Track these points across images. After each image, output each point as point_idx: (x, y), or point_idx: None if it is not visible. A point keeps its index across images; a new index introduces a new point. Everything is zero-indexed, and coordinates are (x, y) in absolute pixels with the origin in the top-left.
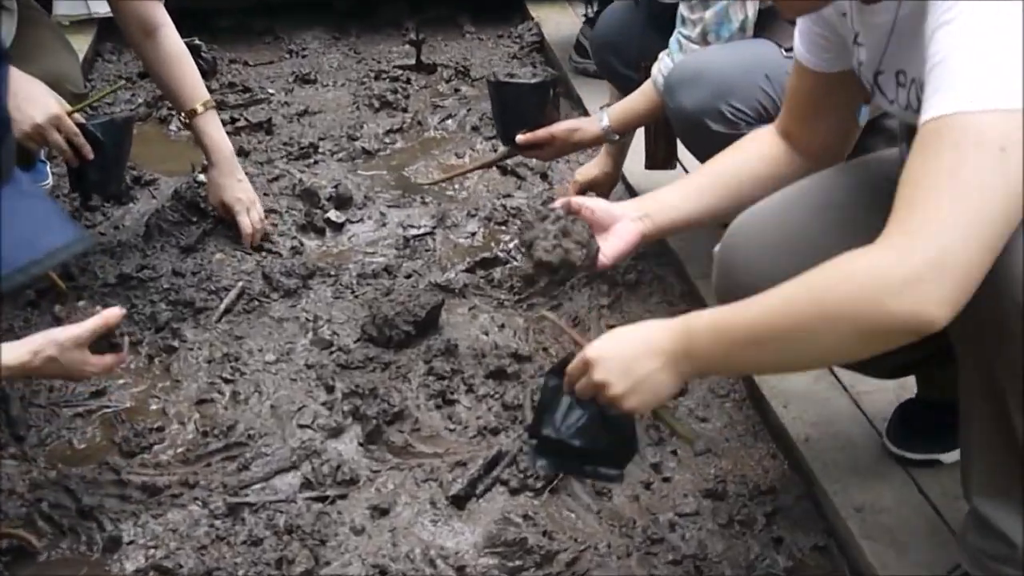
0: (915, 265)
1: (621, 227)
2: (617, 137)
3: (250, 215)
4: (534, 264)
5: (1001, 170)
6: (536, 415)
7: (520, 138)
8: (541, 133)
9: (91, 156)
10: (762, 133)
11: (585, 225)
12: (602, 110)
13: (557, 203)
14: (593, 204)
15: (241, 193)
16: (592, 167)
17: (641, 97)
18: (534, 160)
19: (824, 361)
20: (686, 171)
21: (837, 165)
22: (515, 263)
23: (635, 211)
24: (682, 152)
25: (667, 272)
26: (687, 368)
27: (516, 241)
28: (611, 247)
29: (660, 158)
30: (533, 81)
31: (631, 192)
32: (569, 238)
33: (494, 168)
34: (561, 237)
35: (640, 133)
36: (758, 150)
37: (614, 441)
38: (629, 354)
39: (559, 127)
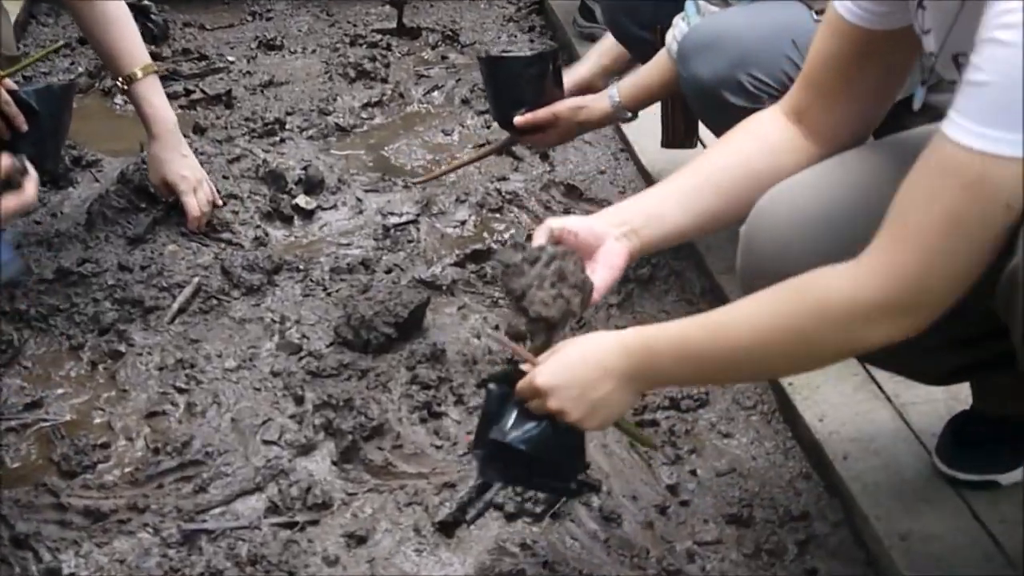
0: (896, 300)
1: (607, 251)
2: (630, 115)
3: (197, 195)
4: (529, 320)
5: (998, 220)
6: (481, 424)
7: (518, 120)
8: (542, 114)
9: (24, 127)
10: (764, 117)
11: (577, 260)
12: (612, 84)
13: (541, 237)
14: (575, 226)
15: (186, 170)
16: (583, 69)
17: (655, 68)
18: None
19: (792, 373)
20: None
21: (885, 140)
22: None
23: (618, 226)
24: (704, 130)
25: (685, 266)
26: (644, 385)
27: (502, 289)
28: (601, 279)
29: (679, 136)
30: (530, 54)
31: (645, 177)
32: (566, 283)
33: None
34: (558, 283)
35: (655, 108)
36: (757, 141)
37: (565, 453)
38: (582, 380)
39: (562, 105)
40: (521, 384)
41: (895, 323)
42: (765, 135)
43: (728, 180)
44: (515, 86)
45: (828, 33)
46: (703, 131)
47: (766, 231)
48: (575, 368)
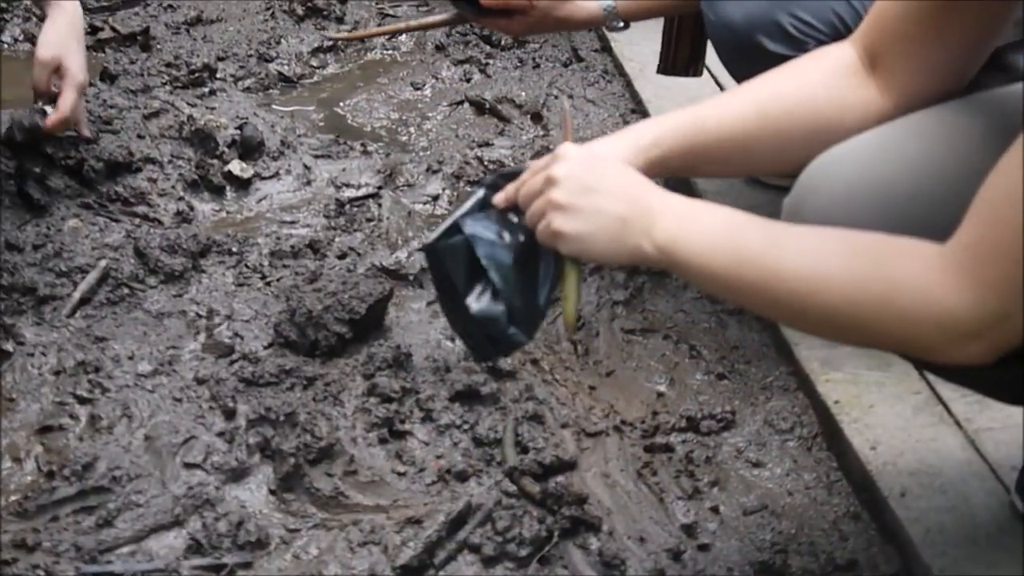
0: (975, 323)
1: None
2: (622, 24)
3: (76, 101)
4: None
5: None
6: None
7: None
8: None
9: None
10: (833, 53)
11: None
12: None
13: None
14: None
15: (79, 66)
16: None
17: None
18: (523, 95)
19: (832, 339)
20: (716, 81)
21: (958, 101)
22: None
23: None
24: (714, 61)
25: None
26: (657, 243)
27: None
28: None
29: (681, 62)
30: None
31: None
32: None
33: (465, 106)
34: None
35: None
36: (824, 79)
37: (529, 290)
38: (604, 186)
39: None
40: (536, 167)
41: (970, 345)
42: (837, 77)
43: (783, 117)
44: None
45: None
46: (711, 60)
47: (813, 208)
48: (606, 165)
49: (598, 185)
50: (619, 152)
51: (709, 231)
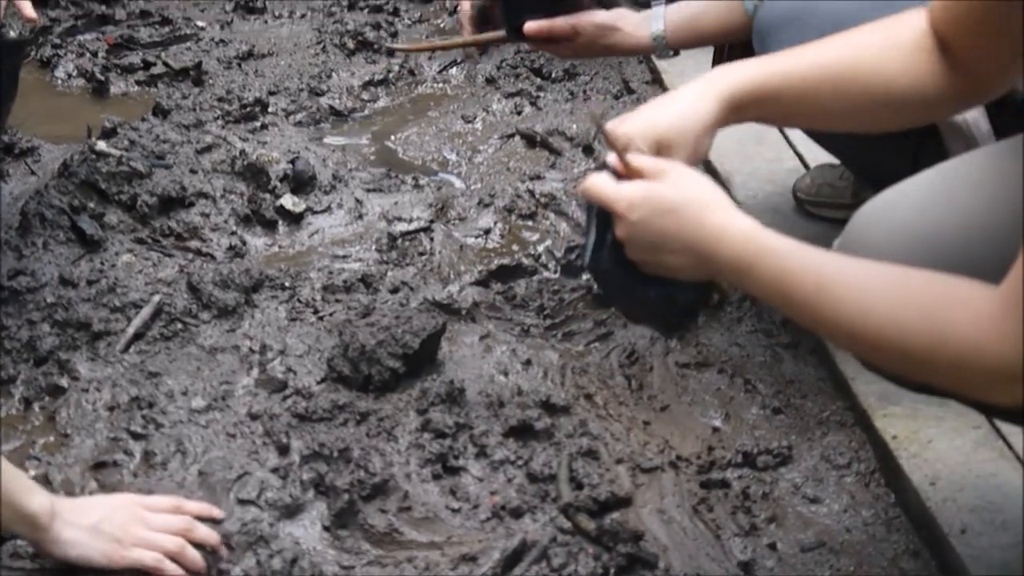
0: None
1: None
2: (672, 53)
3: None
4: None
5: None
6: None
7: (530, 26)
8: (560, 24)
9: None
10: (910, 23)
11: None
12: (656, 8)
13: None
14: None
15: None
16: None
17: (717, 9)
18: (574, 127)
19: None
20: None
21: (1011, 141)
22: (546, 272)
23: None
24: None
25: None
26: (720, 276)
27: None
28: None
29: None
30: None
31: (713, 177)
32: None
33: (516, 139)
34: None
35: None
36: (901, 46)
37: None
38: (660, 236)
39: (588, 19)
40: (605, 193)
41: (1019, 388)
42: (913, 47)
43: (853, 76)
44: None
45: None
46: None
47: (864, 250)
48: (664, 217)
49: (662, 244)
50: (703, 110)
51: (760, 283)
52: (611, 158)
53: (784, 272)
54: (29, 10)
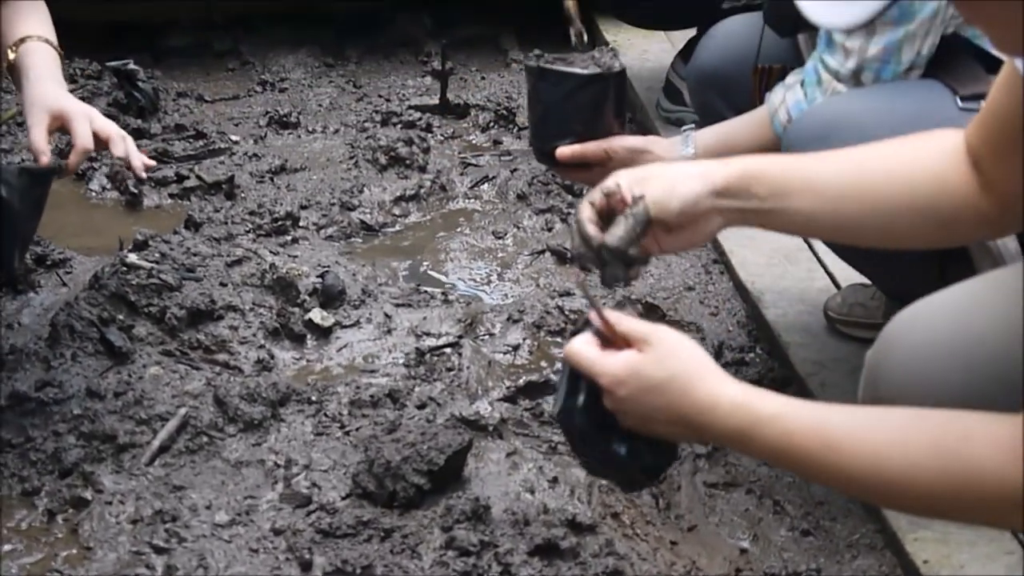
0: None
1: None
2: None
3: (93, 123)
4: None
5: None
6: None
7: (562, 151)
8: (592, 148)
9: None
10: (946, 138)
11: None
12: (686, 132)
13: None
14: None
15: (75, 104)
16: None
17: (748, 129)
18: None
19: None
20: None
21: None
22: None
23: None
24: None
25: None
26: (716, 444)
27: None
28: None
29: None
30: (589, 71)
31: (742, 295)
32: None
33: (547, 255)
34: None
35: None
36: (928, 158)
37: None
38: (650, 411)
39: (619, 143)
40: (591, 364)
41: None
42: (939, 156)
43: (885, 185)
44: (565, 108)
45: (1004, 88)
46: None
47: (895, 363)
48: (651, 394)
49: (653, 416)
50: (703, 200)
51: (761, 451)
52: (594, 317)
53: (785, 437)
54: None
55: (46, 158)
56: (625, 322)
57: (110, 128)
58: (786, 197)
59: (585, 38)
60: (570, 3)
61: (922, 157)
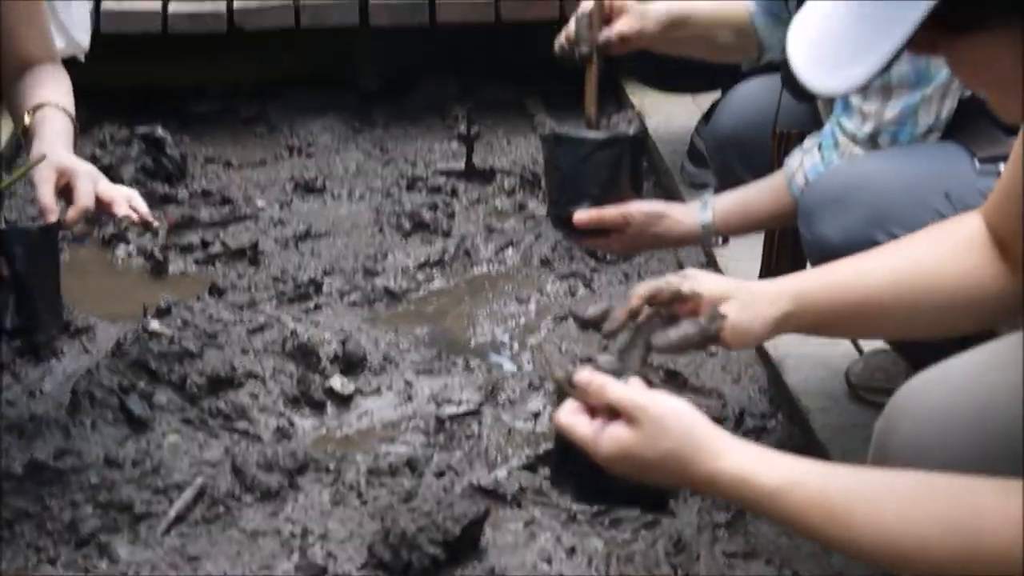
0: None
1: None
2: (721, 241)
3: (97, 185)
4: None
5: None
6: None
7: (579, 216)
8: (610, 213)
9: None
10: (967, 227)
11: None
12: (705, 197)
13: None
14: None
15: (80, 163)
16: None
17: (766, 194)
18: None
19: None
20: None
21: None
22: None
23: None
24: None
25: None
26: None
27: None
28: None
29: (781, 274)
30: (604, 136)
31: (765, 362)
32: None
33: (570, 321)
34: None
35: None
36: (958, 249)
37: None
38: (652, 476)
39: (637, 208)
40: (582, 443)
41: None
42: (965, 248)
43: (913, 286)
44: (581, 172)
45: (1020, 161)
46: None
47: (904, 432)
48: (646, 470)
49: (649, 471)
50: (764, 318)
51: (767, 518)
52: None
53: (787, 513)
54: (87, 200)
55: (53, 216)
56: (609, 391)
57: (113, 191)
58: (831, 328)
59: (594, 123)
60: (589, 86)
61: (947, 249)
